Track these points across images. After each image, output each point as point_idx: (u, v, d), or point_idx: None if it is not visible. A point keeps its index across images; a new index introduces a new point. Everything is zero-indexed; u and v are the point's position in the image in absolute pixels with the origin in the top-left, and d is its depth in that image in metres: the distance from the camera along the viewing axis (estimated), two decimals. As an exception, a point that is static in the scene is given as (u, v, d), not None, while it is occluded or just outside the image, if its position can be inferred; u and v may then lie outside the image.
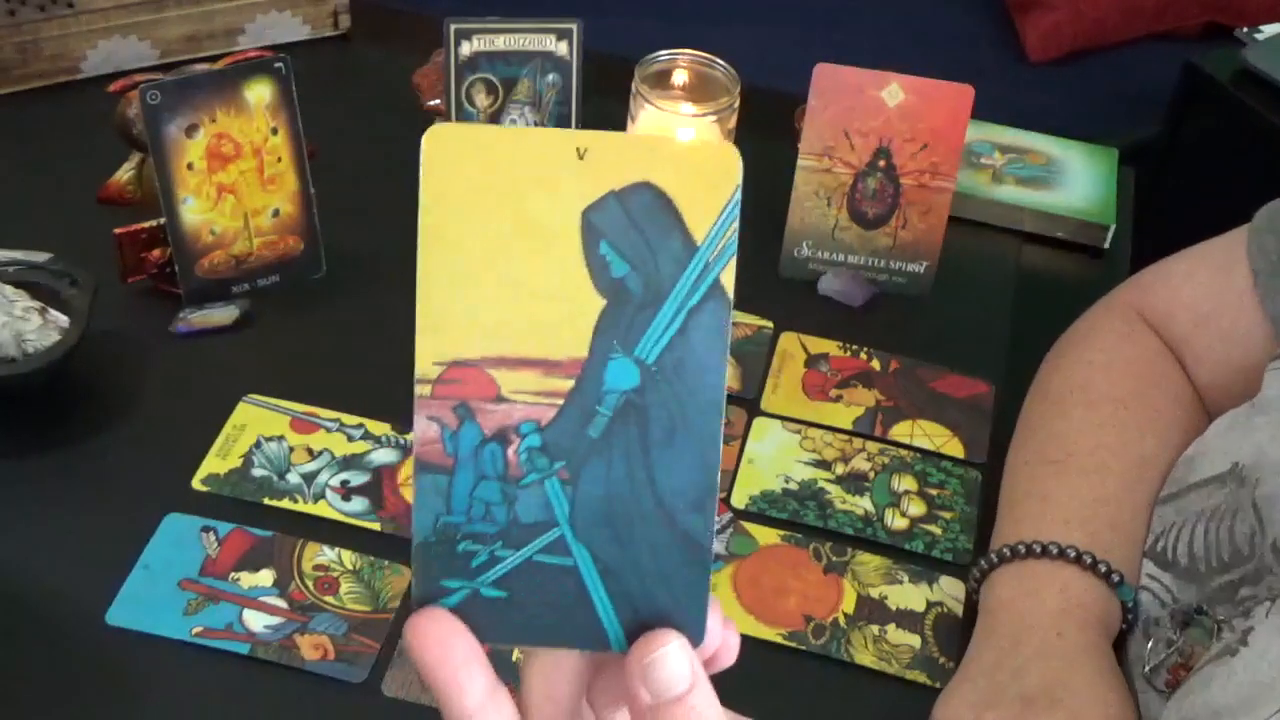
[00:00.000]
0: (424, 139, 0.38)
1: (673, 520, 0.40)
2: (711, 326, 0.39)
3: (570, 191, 0.38)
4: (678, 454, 0.40)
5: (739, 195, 0.38)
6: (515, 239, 0.38)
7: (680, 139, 0.38)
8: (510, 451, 0.40)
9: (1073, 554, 0.73)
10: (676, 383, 0.39)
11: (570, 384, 0.39)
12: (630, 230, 0.38)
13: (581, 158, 0.38)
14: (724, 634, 0.41)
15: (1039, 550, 0.73)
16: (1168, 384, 0.83)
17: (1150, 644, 0.70)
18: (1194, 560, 0.71)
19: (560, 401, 0.39)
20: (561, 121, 0.99)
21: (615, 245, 0.38)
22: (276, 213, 0.94)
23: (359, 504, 0.82)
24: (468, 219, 0.38)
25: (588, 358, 0.39)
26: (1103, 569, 0.72)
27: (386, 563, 0.79)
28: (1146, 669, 0.69)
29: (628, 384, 0.39)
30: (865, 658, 0.77)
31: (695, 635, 0.40)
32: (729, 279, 0.39)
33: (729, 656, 0.42)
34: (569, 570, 0.40)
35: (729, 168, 0.38)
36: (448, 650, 0.39)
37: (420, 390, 0.39)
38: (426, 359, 0.39)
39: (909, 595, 0.80)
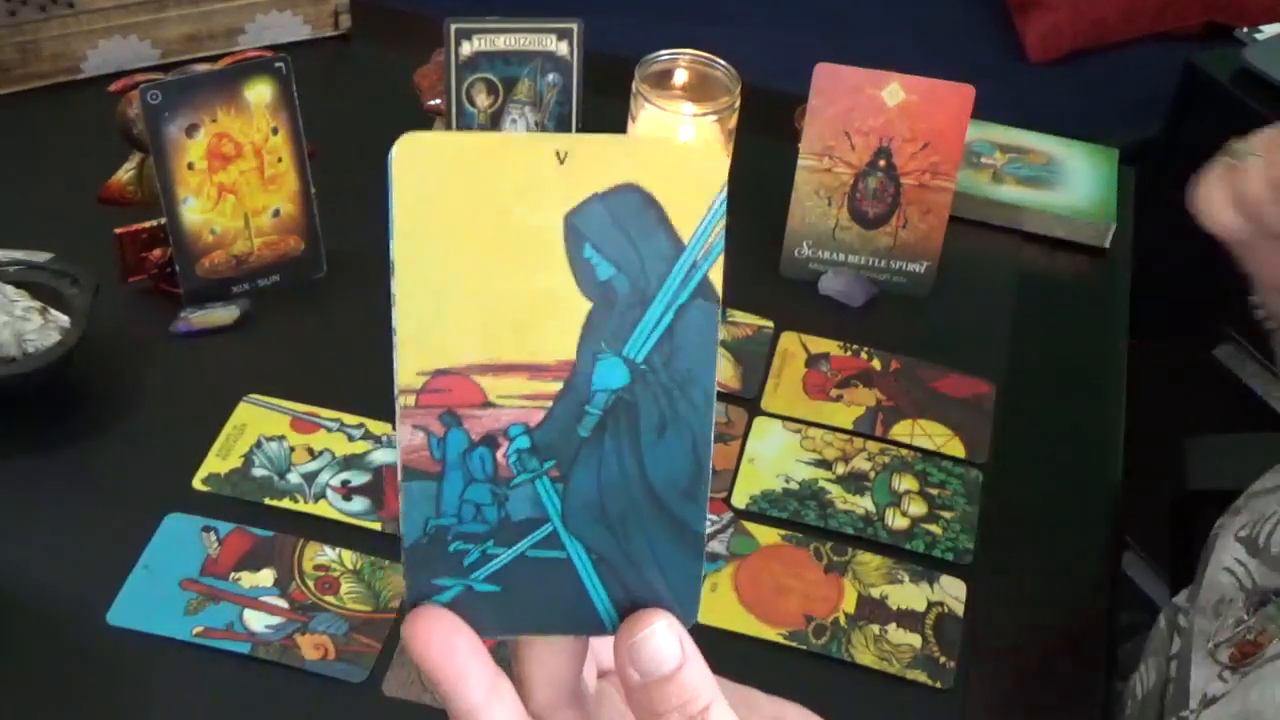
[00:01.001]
0: (394, 149, 0.37)
1: (665, 509, 0.40)
2: (701, 324, 0.39)
3: (551, 196, 0.37)
4: (669, 447, 0.40)
5: (725, 194, 0.38)
6: (495, 246, 0.38)
7: (662, 140, 0.38)
8: (499, 454, 0.39)
9: None
10: (667, 379, 0.39)
11: (558, 386, 0.39)
12: (615, 232, 0.38)
13: (562, 162, 0.37)
14: None
15: None
16: None
17: (1220, 620, 0.70)
18: None
19: (549, 404, 0.39)
20: (562, 121, 0.99)
21: (600, 248, 0.38)
22: (277, 213, 0.94)
23: (360, 504, 0.82)
24: (443, 228, 0.38)
25: (575, 359, 0.39)
26: None
27: (387, 562, 0.79)
28: (1212, 644, 0.69)
29: (617, 383, 0.39)
30: (866, 657, 0.77)
31: (687, 614, 0.41)
32: (717, 277, 0.39)
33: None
34: (562, 562, 0.41)
35: (714, 167, 0.38)
36: (448, 647, 0.39)
37: (404, 400, 0.39)
38: (409, 370, 0.38)
39: (910, 595, 0.80)
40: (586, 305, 0.38)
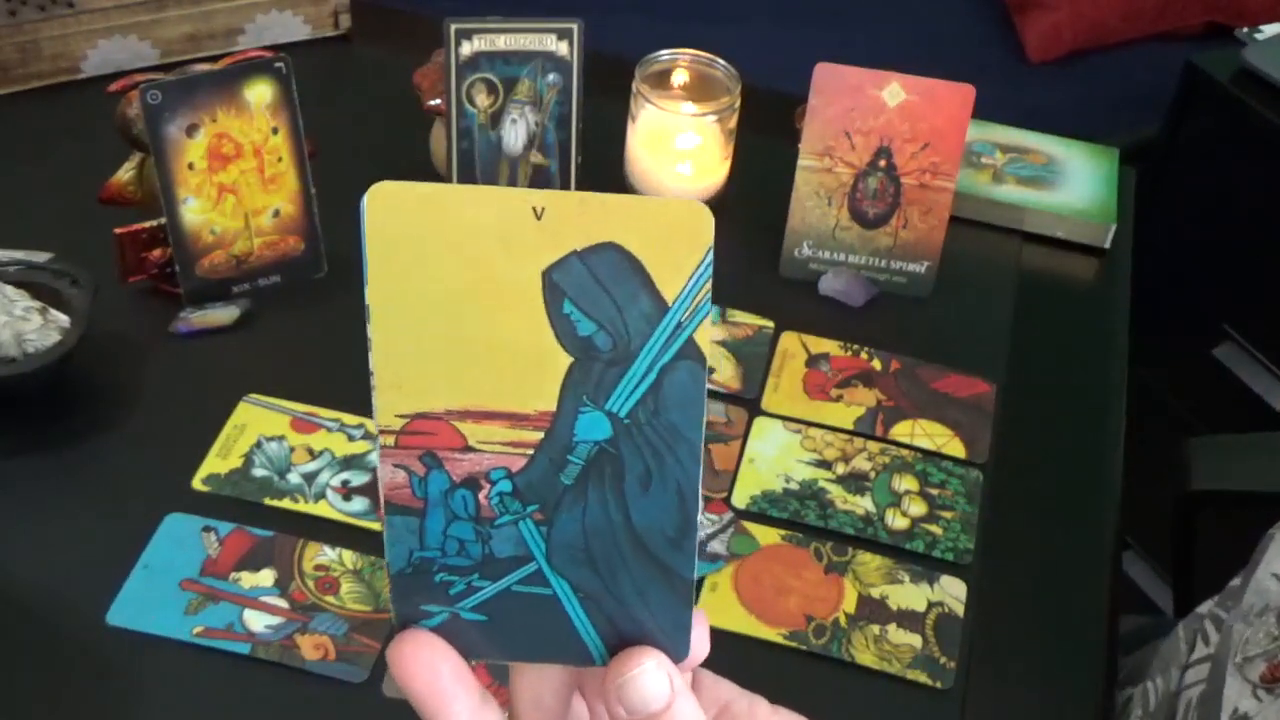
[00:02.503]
0: (365, 198, 0.36)
1: (652, 556, 0.40)
2: (686, 383, 0.38)
3: (529, 250, 0.37)
4: (655, 498, 0.39)
5: (711, 255, 0.37)
6: (472, 296, 0.37)
7: (645, 199, 0.37)
8: (481, 496, 0.39)
9: None
10: (652, 434, 0.38)
11: (540, 435, 0.38)
12: (595, 290, 0.37)
13: (539, 217, 0.36)
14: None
15: None
16: None
17: (1253, 632, 0.70)
18: None
19: (530, 451, 0.39)
20: (562, 121, 0.99)
21: (580, 304, 0.37)
22: (277, 213, 0.94)
23: (360, 504, 0.82)
24: (417, 276, 0.37)
25: (557, 411, 0.38)
26: None
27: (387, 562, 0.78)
28: (1241, 657, 0.69)
29: (600, 435, 0.38)
30: (866, 658, 0.77)
31: (677, 651, 0.40)
32: (704, 337, 0.38)
33: (702, 650, 0.42)
34: (548, 598, 0.40)
35: (701, 227, 0.37)
36: (433, 671, 0.39)
37: (384, 440, 0.38)
38: (387, 412, 0.38)
39: (910, 595, 0.80)
40: (567, 359, 0.38)
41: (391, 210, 0.37)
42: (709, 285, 0.37)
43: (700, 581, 0.79)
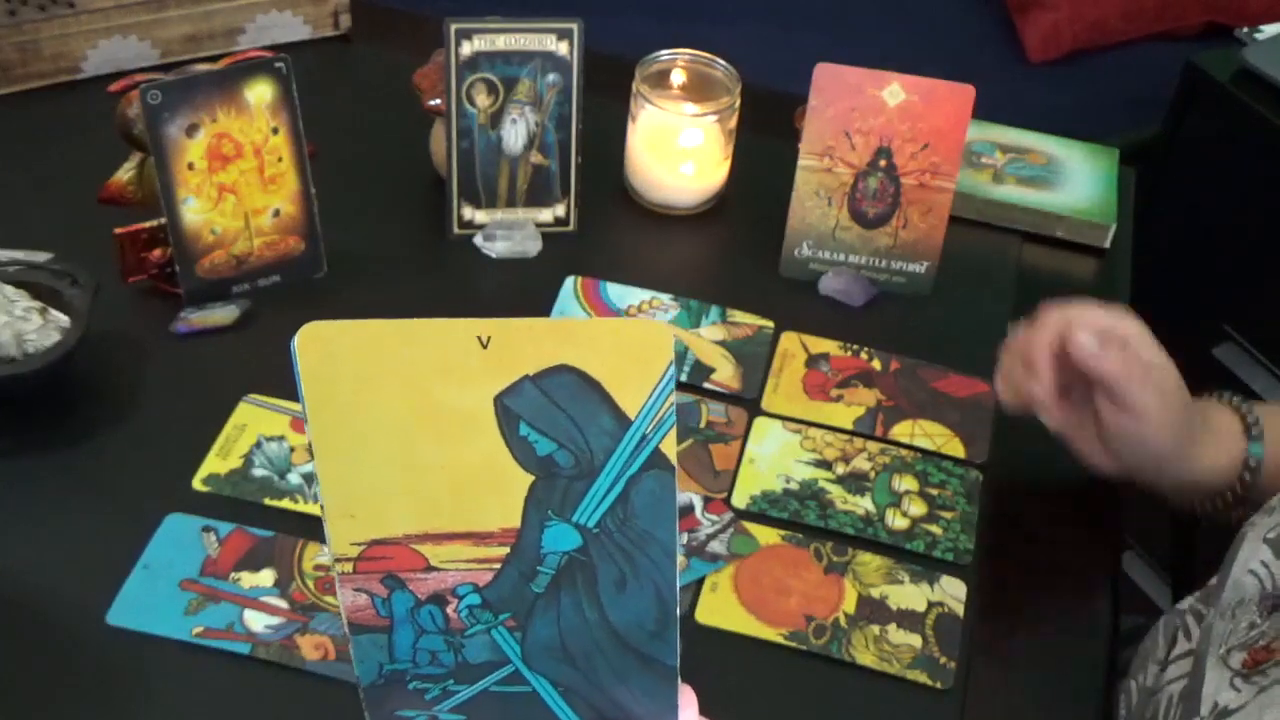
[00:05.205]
0: (295, 339, 0.36)
1: (633, 649, 0.39)
2: (655, 490, 0.38)
3: (477, 378, 0.36)
4: (631, 597, 0.39)
5: (673, 370, 0.37)
6: (421, 425, 0.37)
7: (599, 320, 0.37)
8: (449, 610, 0.39)
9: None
10: (623, 540, 0.38)
11: (505, 550, 0.38)
12: (552, 410, 0.37)
13: (485, 346, 0.36)
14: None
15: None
16: None
17: (1234, 624, 0.70)
18: None
19: (497, 565, 0.38)
20: (562, 121, 0.99)
21: (536, 426, 0.37)
22: (277, 213, 0.94)
23: (359, 504, 0.82)
24: (360, 411, 0.37)
25: (522, 526, 0.38)
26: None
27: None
28: (1224, 649, 0.69)
29: (568, 545, 0.38)
30: (866, 658, 0.77)
31: None
32: (670, 448, 0.37)
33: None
34: (527, 694, 0.40)
35: (660, 345, 0.36)
36: None
37: (340, 568, 0.38)
38: (342, 541, 0.38)
39: (910, 595, 0.80)
40: (529, 478, 0.37)
41: (324, 351, 0.36)
42: (673, 397, 0.37)
43: (700, 581, 0.79)
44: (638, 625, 0.39)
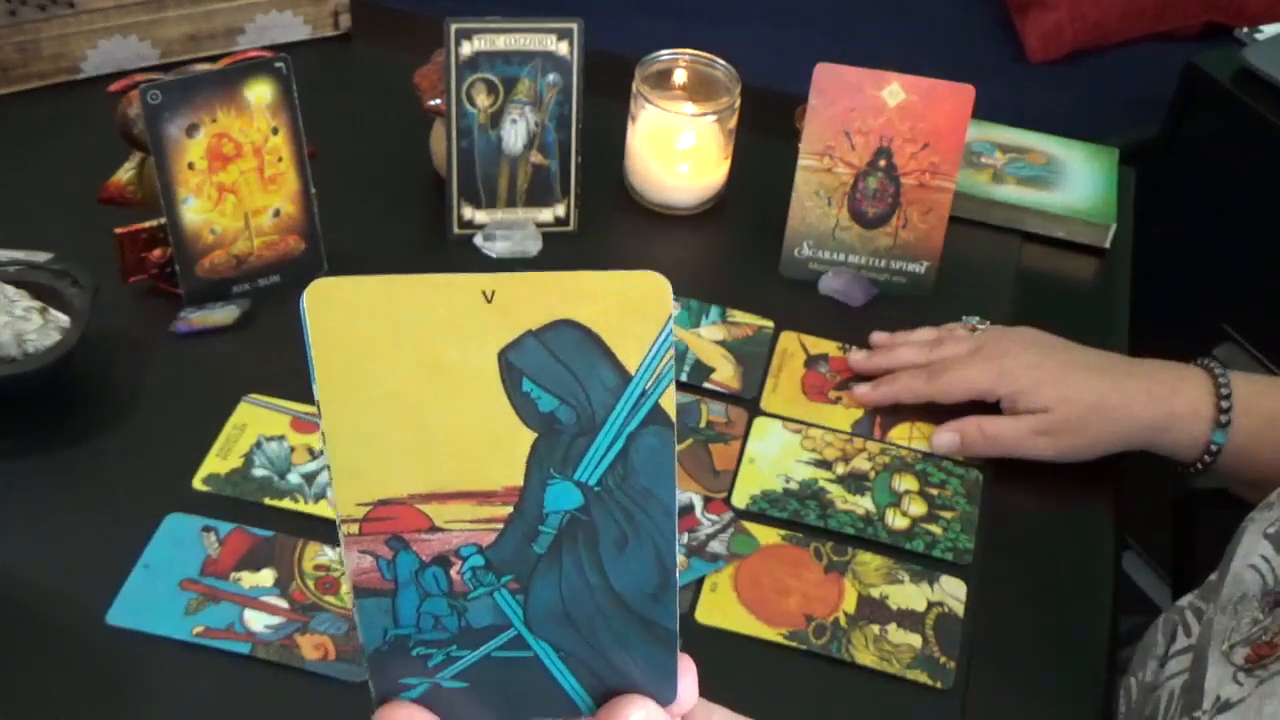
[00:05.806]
0: (304, 296, 0.36)
1: (633, 612, 0.40)
2: (655, 447, 0.38)
3: (482, 334, 0.36)
4: (632, 559, 0.39)
5: (672, 322, 0.37)
6: (426, 382, 0.37)
7: (600, 273, 0.37)
8: (453, 571, 0.39)
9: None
10: (624, 499, 0.38)
11: (508, 510, 0.38)
12: (554, 366, 0.37)
13: (489, 300, 0.36)
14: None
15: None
16: None
17: (1236, 620, 0.70)
18: None
19: (500, 525, 0.38)
20: (563, 121, 0.99)
21: (539, 382, 0.37)
22: (277, 212, 0.94)
23: (359, 504, 0.82)
24: (366, 368, 0.37)
25: (524, 485, 0.38)
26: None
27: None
28: (1227, 645, 0.69)
29: (570, 504, 0.38)
30: (866, 658, 0.77)
31: (664, 695, 0.40)
32: (669, 403, 0.37)
33: (690, 698, 0.42)
34: (529, 659, 0.40)
35: (659, 297, 0.37)
36: None
37: (347, 529, 0.38)
38: (348, 501, 0.38)
39: (910, 595, 0.80)
40: (531, 435, 0.37)
41: (333, 306, 0.36)
42: (671, 353, 0.37)
43: (700, 581, 0.79)
44: (639, 588, 0.39)
